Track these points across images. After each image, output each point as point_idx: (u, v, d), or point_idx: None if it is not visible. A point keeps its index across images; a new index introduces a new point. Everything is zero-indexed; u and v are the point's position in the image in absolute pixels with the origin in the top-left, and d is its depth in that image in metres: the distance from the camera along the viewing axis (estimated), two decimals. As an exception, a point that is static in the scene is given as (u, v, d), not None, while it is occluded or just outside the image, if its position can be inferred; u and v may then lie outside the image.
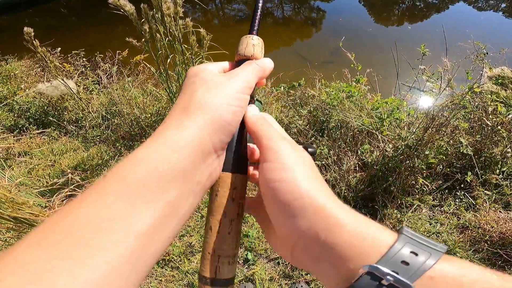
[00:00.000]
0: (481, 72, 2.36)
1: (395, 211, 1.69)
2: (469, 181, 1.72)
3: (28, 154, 2.24)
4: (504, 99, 2.04)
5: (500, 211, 1.64)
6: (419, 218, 1.68)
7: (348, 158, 1.84)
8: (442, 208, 1.74)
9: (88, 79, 2.85)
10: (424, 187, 1.73)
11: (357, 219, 0.22)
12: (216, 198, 0.29)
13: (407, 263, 0.20)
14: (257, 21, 0.36)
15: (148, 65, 2.47)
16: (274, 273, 1.47)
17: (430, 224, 1.66)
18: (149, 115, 2.33)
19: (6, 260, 0.17)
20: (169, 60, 2.10)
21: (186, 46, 2.05)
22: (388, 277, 0.19)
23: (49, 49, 2.67)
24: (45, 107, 2.62)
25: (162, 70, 2.14)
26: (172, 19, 1.85)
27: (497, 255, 1.49)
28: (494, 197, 1.69)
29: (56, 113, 2.58)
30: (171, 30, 1.90)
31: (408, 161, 1.67)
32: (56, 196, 1.68)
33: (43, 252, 0.18)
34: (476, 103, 1.97)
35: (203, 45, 2.11)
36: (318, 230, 0.22)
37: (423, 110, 2.02)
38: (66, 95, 2.63)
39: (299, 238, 0.23)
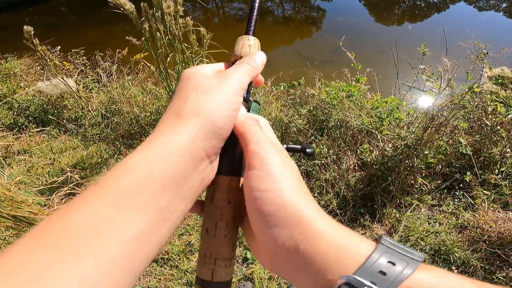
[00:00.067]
0: (481, 72, 2.36)
1: (394, 210, 1.69)
2: (468, 181, 1.72)
3: (28, 153, 2.24)
4: (504, 99, 2.04)
5: (498, 211, 1.64)
6: (418, 217, 1.69)
7: (347, 157, 1.84)
8: (441, 208, 1.74)
9: (88, 77, 2.85)
10: (423, 187, 1.73)
11: (338, 229, 0.22)
12: (212, 201, 0.29)
13: (384, 273, 0.20)
14: (253, 21, 0.36)
15: (148, 63, 2.47)
16: (273, 272, 1.47)
17: (428, 224, 1.66)
18: (149, 113, 2.33)
19: None
20: (169, 58, 2.10)
21: (186, 45, 2.05)
22: (365, 287, 0.19)
23: (49, 47, 2.66)
24: (45, 106, 2.62)
25: (162, 69, 2.14)
26: (172, 17, 1.85)
27: (495, 255, 1.49)
28: (492, 197, 1.69)
29: (55, 111, 2.58)
30: (171, 28, 1.89)
31: (407, 161, 1.68)
32: (55, 194, 1.68)
33: (30, 260, 0.17)
34: (476, 103, 1.97)
35: (203, 44, 2.11)
36: (298, 241, 0.22)
37: (422, 109, 2.03)
38: (65, 94, 2.63)
39: (280, 247, 0.23)
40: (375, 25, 5.48)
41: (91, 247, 0.19)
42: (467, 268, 1.49)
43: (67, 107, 2.61)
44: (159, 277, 1.48)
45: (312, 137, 1.95)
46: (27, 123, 2.51)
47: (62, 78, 2.29)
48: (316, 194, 1.79)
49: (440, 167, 1.78)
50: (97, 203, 0.20)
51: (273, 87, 2.39)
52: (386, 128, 1.78)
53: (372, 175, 1.74)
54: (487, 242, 1.53)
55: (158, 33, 1.92)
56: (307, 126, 2.00)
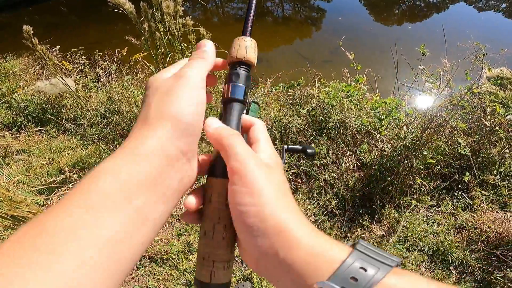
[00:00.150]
0: (480, 72, 2.37)
1: (393, 211, 1.70)
2: (466, 181, 1.73)
3: (26, 152, 2.23)
4: (503, 99, 2.04)
5: (497, 212, 1.64)
6: (416, 218, 1.69)
7: (346, 157, 1.84)
8: (439, 208, 1.74)
9: (87, 77, 2.85)
10: (422, 187, 1.74)
11: (316, 237, 0.24)
12: (210, 204, 0.29)
13: (356, 279, 0.21)
14: (250, 22, 0.35)
15: (147, 63, 2.47)
16: (272, 272, 1.47)
17: (427, 224, 1.67)
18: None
19: None
20: (168, 58, 2.09)
21: (185, 44, 2.04)
22: None
23: (48, 47, 2.66)
24: (44, 105, 2.61)
25: (161, 69, 2.14)
26: (172, 17, 1.85)
27: (493, 256, 1.49)
28: (491, 197, 1.69)
29: (54, 111, 2.58)
30: (170, 28, 1.89)
31: (406, 161, 1.68)
32: (54, 194, 1.68)
33: (9, 261, 0.18)
34: (475, 104, 1.98)
35: (202, 44, 2.11)
36: (278, 249, 0.23)
37: (421, 110, 2.03)
38: (64, 93, 2.62)
39: (262, 255, 0.24)
40: (374, 25, 5.48)
41: (68, 248, 0.19)
42: (465, 268, 1.50)
43: (66, 107, 2.60)
44: (158, 277, 1.48)
45: (312, 138, 1.95)
46: (26, 122, 2.51)
47: (61, 78, 2.29)
48: (315, 194, 1.80)
49: (438, 167, 1.78)
50: (72, 207, 0.21)
51: (272, 87, 2.39)
52: (385, 128, 1.78)
53: (371, 176, 1.74)
54: (485, 242, 1.54)
55: (157, 33, 1.92)
56: (306, 126, 2.00)
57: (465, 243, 1.57)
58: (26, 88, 2.77)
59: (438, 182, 1.77)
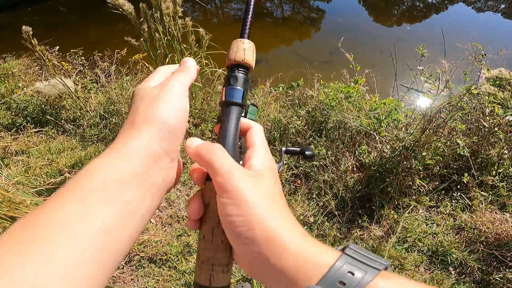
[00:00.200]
0: (479, 73, 2.37)
1: (392, 211, 1.70)
2: (465, 182, 1.73)
3: (25, 153, 2.23)
4: (502, 100, 2.05)
5: (496, 212, 1.65)
6: (415, 218, 1.69)
7: (346, 158, 1.84)
8: (438, 209, 1.75)
9: (86, 78, 2.85)
10: (421, 188, 1.74)
11: (305, 242, 0.24)
12: (208, 208, 0.29)
13: (344, 283, 0.21)
14: (248, 24, 0.35)
15: (146, 64, 2.47)
16: (271, 273, 1.47)
17: (426, 225, 1.67)
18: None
19: None
20: (167, 59, 2.09)
21: (185, 45, 2.05)
22: None
23: (48, 47, 2.66)
24: (43, 106, 2.61)
25: (161, 70, 2.14)
26: (171, 18, 1.85)
27: (492, 256, 1.50)
28: (490, 198, 1.70)
29: (53, 111, 2.58)
30: (170, 29, 1.89)
31: (405, 162, 1.68)
32: (53, 195, 1.67)
33: (8, 250, 0.19)
34: (474, 105, 1.98)
35: (202, 45, 2.11)
36: (268, 256, 0.24)
37: (420, 111, 2.03)
38: (64, 94, 2.62)
39: (253, 261, 0.25)
40: (374, 26, 5.49)
41: (62, 238, 0.21)
42: (464, 269, 1.50)
43: (65, 108, 2.60)
44: (158, 278, 1.48)
45: (311, 139, 1.95)
46: (25, 123, 2.50)
47: (61, 79, 2.29)
48: (314, 195, 1.80)
49: (437, 168, 1.78)
50: (64, 201, 0.23)
51: (272, 88, 2.39)
52: (384, 129, 1.79)
53: (370, 177, 1.74)
54: (484, 243, 1.54)
55: (157, 34, 1.92)
56: (305, 127, 2.00)
57: (464, 243, 1.57)
58: (25, 88, 2.77)
59: (437, 183, 1.78)
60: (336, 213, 1.71)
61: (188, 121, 0.39)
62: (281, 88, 2.29)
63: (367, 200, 1.77)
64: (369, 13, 6.10)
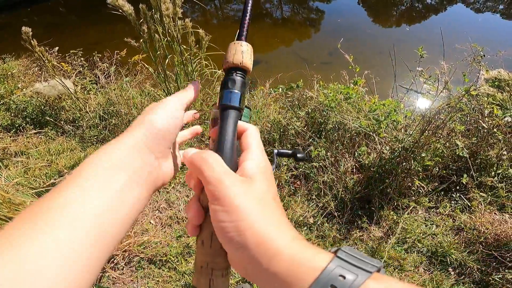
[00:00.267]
0: (478, 74, 2.38)
1: (392, 212, 1.70)
2: (464, 183, 1.73)
3: (25, 154, 2.23)
4: (501, 101, 2.06)
5: (495, 213, 1.65)
6: (415, 219, 1.69)
7: (345, 160, 1.85)
8: (437, 210, 1.75)
9: (86, 78, 2.84)
10: (420, 189, 1.74)
11: (298, 245, 0.25)
12: (207, 213, 0.29)
13: (335, 287, 0.21)
14: (245, 26, 0.35)
15: (146, 65, 2.47)
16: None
17: (425, 226, 1.67)
18: (147, 115, 2.32)
19: None
20: (167, 60, 2.10)
21: (184, 46, 2.05)
22: None
23: (47, 48, 2.66)
24: (42, 107, 2.61)
25: (161, 71, 2.14)
26: (171, 19, 1.85)
27: (491, 257, 1.50)
28: (489, 199, 1.70)
29: (53, 112, 2.57)
30: (169, 30, 1.90)
31: (404, 163, 1.68)
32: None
33: (16, 230, 0.22)
34: (473, 106, 1.99)
35: (202, 46, 2.11)
36: (260, 260, 0.24)
37: (420, 112, 2.04)
38: (63, 95, 2.62)
39: (248, 265, 0.25)
40: (373, 26, 5.50)
41: (62, 219, 0.23)
42: (463, 269, 1.50)
43: (65, 109, 2.60)
44: (157, 279, 1.48)
45: (310, 140, 1.95)
46: (24, 124, 2.50)
47: (60, 79, 2.29)
48: (314, 196, 1.80)
49: (437, 169, 1.79)
50: (64, 188, 0.26)
51: (271, 89, 2.39)
52: (384, 130, 1.79)
53: (370, 178, 1.74)
54: (483, 244, 1.54)
55: (156, 35, 1.92)
56: (305, 128, 2.01)
57: (463, 244, 1.57)
58: (24, 89, 2.77)
59: (436, 184, 1.78)
60: (335, 214, 1.71)
61: (187, 123, 0.42)
62: (280, 89, 2.29)
63: (367, 201, 1.77)
64: (368, 14, 6.11)
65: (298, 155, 0.39)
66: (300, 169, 1.90)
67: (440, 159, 1.74)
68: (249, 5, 0.36)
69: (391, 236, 1.61)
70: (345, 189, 1.77)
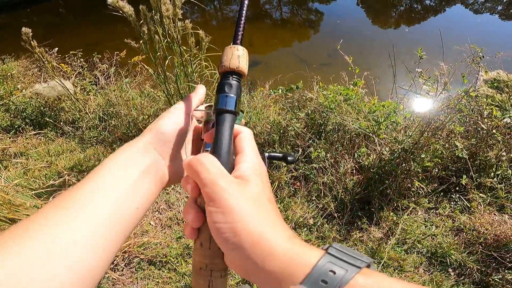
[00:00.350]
0: (477, 75, 2.39)
1: (391, 213, 1.70)
2: (464, 184, 1.74)
3: (24, 155, 2.23)
4: (500, 102, 2.07)
5: (494, 214, 1.65)
6: (414, 220, 1.70)
7: (345, 161, 1.85)
8: (437, 211, 1.75)
9: (86, 79, 2.84)
10: (420, 190, 1.75)
11: (292, 243, 0.26)
12: (205, 216, 0.29)
13: (326, 282, 0.22)
14: (241, 30, 0.35)
15: (146, 66, 2.47)
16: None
17: (425, 227, 1.68)
18: (147, 116, 2.33)
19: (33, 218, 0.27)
20: (167, 61, 2.10)
21: (184, 48, 2.05)
22: None
23: (47, 49, 2.66)
24: (42, 108, 2.61)
25: (160, 72, 2.14)
26: (171, 20, 1.85)
27: (491, 257, 1.50)
28: (488, 200, 1.70)
29: (52, 113, 2.57)
30: (169, 31, 1.90)
31: (404, 164, 1.69)
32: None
33: (54, 210, 0.28)
34: (472, 107, 1.99)
35: (202, 47, 2.11)
36: (255, 259, 0.25)
37: (419, 113, 2.04)
38: (63, 96, 2.62)
39: (242, 264, 0.26)
40: (372, 28, 5.51)
41: (88, 206, 0.28)
42: (463, 270, 1.51)
43: (64, 110, 2.60)
44: (157, 280, 1.47)
45: (310, 141, 1.96)
46: (24, 125, 2.50)
47: (60, 80, 2.28)
48: (314, 198, 1.80)
49: (436, 170, 1.79)
50: (88, 182, 0.30)
51: (271, 90, 2.40)
52: (384, 132, 1.80)
53: (370, 179, 1.75)
54: (483, 244, 1.55)
55: (156, 36, 1.92)
56: (305, 129, 2.01)
57: (463, 245, 1.58)
58: (24, 90, 2.77)
59: (436, 185, 1.78)
60: (335, 215, 1.72)
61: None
62: (280, 90, 2.29)
63: (367, 202, 1.78)
64: (368, 15, 6.13)
65: (289, 158, 0.40)
66: (300, 170, 1.90)
67: (439, 160, 1.75)
68: (244, 9, 0.36)
69: (391, 237, 1.62)
70: (345, 190, 1.77)
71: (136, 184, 0.32)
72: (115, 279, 1.47)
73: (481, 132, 1.82)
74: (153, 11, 1.83)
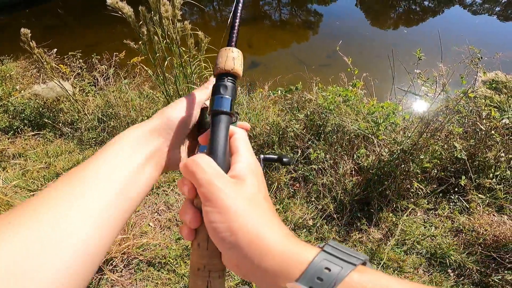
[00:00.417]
0: (475, 76, 2.39)
1: (391, 214, 1.70)
2: (463, 185, 1.74)
3: (23, 156, 2.22)
4: (498, 103, 2.07)
5: (493, 215, 1.66)
6: (414, 221, 1.70)
7: (344, 162, 1.85)
8: (436, 212, 1.76)
9: (85, 80, 2.84)
10: (419, 191, 1.75)
11: (288, 241, 0.26)
12: (202, 216, 0.29)
13: (321, 279, 0.22)
14: (235, 32, 0.35)
15: (145, 67, 2.47)
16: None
17: (424, 227, 1.68)
18: (146, 117, 2.33)
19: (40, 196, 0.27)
20: (166, 62, 2.09)
21: (183, 49, 2.05)
22: None
23: (46, 50, 2.65)
24: (41, 109, 2.60)
25: (159, 73, 2.14)
26: (170, 21, 1.85)
27: (490, 258, 1.51)
28: (487, 200, 1.71)
29: (51, 114, 2.57)
30: (169, 32, 1.90)
31: (403, 165, 1.69)
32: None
33: (60, 188, 0.28)
34: (470, 108, 2.00)
35: (201, 48, 2.11)
36: (252, 258, 0.25)
37: (418, 114, 2.04)
38: (61, 97, 2.61)
39: (239, 263, 0.26)
40: (371, 29, 5.52)
41: (94, 188, 0.29)
42: (463, 271, 1.51)
43: (63, 111, 2.59)
44: (157, 281, 1.47)
45: (309, 142, 1.96)
46: (22, 126, 2.49)
47: (59, 81, 2.28)
48: (313, 199, 1.80)
49: (435, 171, 1.79)
50: (94, 161, 0.31)
51: (270, 91, 2.40)
52: (382, 133, 1.80)
53: (369, 180, 1.75)
54: (482, 245, 1.55)
55: (155, 37, 1.92)
56: (304, 131, 2.01)
57: (462, 246, 1.58)
58: (22, 91, 2.76)
59: (435, 186, 1.79)
60: (335, 216, 1.72)
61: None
62: (279, 91, 2.29)
63: (366, 203, 1.78)
64: (366, 16, 6.14)
65: (284, 160, 0.41)
66: (299, 172, 1.90)
67: (438, 161, 1.75)
68: (239, 11, 0.36)
69: (390, 238, 1.62)
70: (344, 191, 1.77)
71: (140, 167, 0.33)
72: (114, 280, 1.47)
73: (479, 133, 1.83)
74: (152, 12, 1.83)
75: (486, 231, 1.57)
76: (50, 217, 0.25)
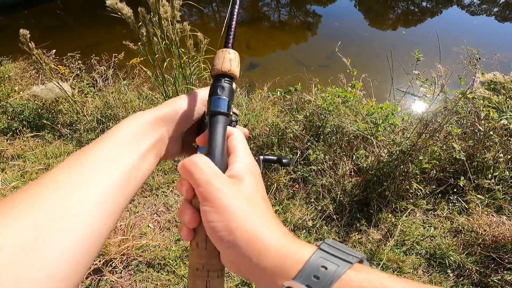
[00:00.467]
0: (474, 77, 2.40)
1: (390, 215, 1.71)
2: (462, 185, 1.75)
3: (21, 158, 2.21)
4: (496, 104, 2.08)
5: (492, 215, 1.66)
6: (413, 222, 1.70)
7: (343, 163, 1.85)
8: (435, 212, 1.76)
9: (83, 81, 2.83)
10: (418, 192, 1.75)
11: (285, 240, 0.26)
12: (200, 216, 0.29)
13: (318, 277, 0.23)
14: (232, 33, 0.35)
15: (144, 68, 2.47)
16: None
17: (424, 228, 1.68)
18: (145, 118, 2.32)
19: (45, 177, 0.27)
20: (165, 63, 2.10)
21: (183, 50, 2.05)
22: None
23: (45, 51, 2.65)
24: (39, 110, 2.59)
25: (159, 74, 2.14)
26: (169, 22, 1.85)
27: (489, 258, 1.51)
28: (486, 201, 1.71)
29: (50, 116, 2.56)
30: (168, 33, 1.90)
31: (402, 166, 1.69)
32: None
33: (65, 172, 0.28)
34: (469, 109, 2.01)
35: (200, 49, 2.12)
36: (250, 257, 0.26)
37: (417, 115, 2.05)
38: (60, 98, 2.61)
39: (237, 262, 0.27)
40: (370, 30, 5.54)
41: (98, 171, 0.29)
42: (462, 271, 1.51)
43: (62, 112, 2.58)
44: (156, 282, 1.47)
45: (309, 143, 1.96)
46: (21, 127, 2.48)
47: (57, 82, 2.28)
48: (312, 200, 1.80)
49: (434, 172, 1.80)
50: (101, 144, 0.31)
51: (269, 92, 2.40)
52: (382, 134, 1.80)
53: (368, 181, 1.75)
54: (481, 245, 1.55)
55: (155, 38, 1.92)
56: (303, 132, 2.01)
57: (461, 246, 1.58)
58: (21, 92, 2.76)
59: (434, 187, 1.79)
60: (334, 217, 1.72)
61: None
62: (278, 92, 2.30)
63: (365, 204, 1.78)
64: (365, 17, 6.16)
65: (283, 161, 0.41)
66: (299, 173, 1.91)
67: (437, 162, 1.75)
68: (235, 13, 0.37)
69: (389, 239, 1.62)
70: (344, 192, 1.77)
71: (143, 155, 0.33)
72: (113, 282, 1.46)
73: (478, 134, 1.83)
74: (152, 13, 1.83)
75: (485, 231, 1.57)
76: (61, 194, 0.26)
